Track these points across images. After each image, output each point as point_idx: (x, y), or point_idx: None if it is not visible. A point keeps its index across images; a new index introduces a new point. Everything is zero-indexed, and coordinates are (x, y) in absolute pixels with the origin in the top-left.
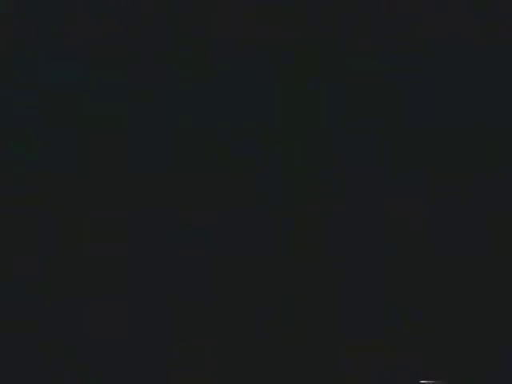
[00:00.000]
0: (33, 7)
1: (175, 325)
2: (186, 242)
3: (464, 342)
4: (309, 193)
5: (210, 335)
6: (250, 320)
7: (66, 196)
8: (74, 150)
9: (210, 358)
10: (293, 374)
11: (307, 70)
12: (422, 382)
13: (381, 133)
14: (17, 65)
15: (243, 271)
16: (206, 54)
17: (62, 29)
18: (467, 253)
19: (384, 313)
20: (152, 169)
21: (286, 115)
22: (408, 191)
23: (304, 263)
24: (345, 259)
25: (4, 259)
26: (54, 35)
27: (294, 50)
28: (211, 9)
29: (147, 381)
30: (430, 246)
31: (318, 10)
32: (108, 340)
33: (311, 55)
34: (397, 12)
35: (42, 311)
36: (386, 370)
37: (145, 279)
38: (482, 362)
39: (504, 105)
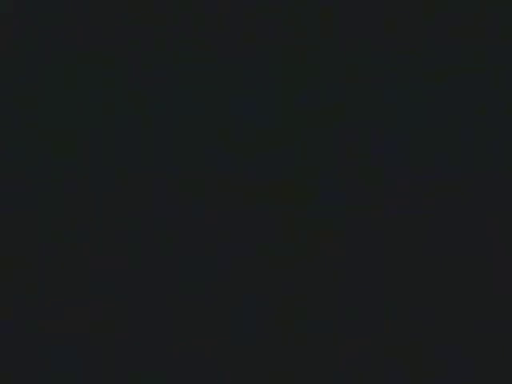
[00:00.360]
0: (33, 7)
1: (175, 325)
2: (186, 241)
3: (464, 342)
4: (309, 193)
5: (210, 335)
6: (250, 320)
7: (66, 196)
8: (74, 150)
9: (210, 358)
10: (293, 373)
11: (307, 70)
12: None
13: (381, 133)
14: (17, 65)
15: (243, 271)
16: (206, 54)
17: (61, 29)
18: (467, 253)
19: (384, 313)
20: (151, 169)
21: (286, 115)
22: (408, 191)
23: (304, 263)
24: (345, 259)
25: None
26: (54, 35)
27: (294, 50)
28: (211, 9)
29: (147, 381)
30: (430, 246)
31: (317, 10)
32: (108, 339)
33: (311, 55)
34: (397, 12)
35: (41, 311)
36: (386, 370)
37: (144, 279)
38: (481, 362)
39: (504, 105)
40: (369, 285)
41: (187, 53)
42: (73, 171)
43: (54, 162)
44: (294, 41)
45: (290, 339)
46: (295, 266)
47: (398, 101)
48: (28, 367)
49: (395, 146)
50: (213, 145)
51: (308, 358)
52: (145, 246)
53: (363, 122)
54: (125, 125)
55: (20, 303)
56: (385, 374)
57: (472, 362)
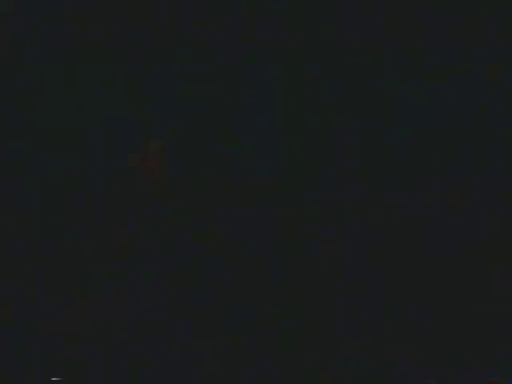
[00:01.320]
0: (33, 7)
1: (175, 325)
2: (186, 241)
3: (464, 342)
4: (308, 193)
5: (210, 335)
6: (250, 320)
7: (66, 196)
8: (73, 150)
9: (210, 358)
10: (293, 373)
11: (307, 70)
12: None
13: (381, 133)
14: (17, 65)
15: (243, 271)
16: (206, 54)
17: (61, 29)
18: (467, 253)
19: (384, 313)
20: (151, 168)
21: (286, 115)
22: (408, 191)
23: (304, 263)
24: (344, 259)
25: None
26: (54, 35)
27: (294, 50)
28: (211, 9)
29: (147, 381)
30: (430, 246)
31: (317, 10)
32: (108, 339)
33: (311, 55)
34: (397, 12)
35: (41, 310)
36: (386, 370)
37: (144, 279)
38: (481, 362)
39: (504, 105)
40: (368, 284)
41: (187, 53)
42: (73, 171)
43: (54, 162)
44: (294, 41)
45: (289, 339)
46: (295, 266)
47: (398, 101)
48: (27, 367)
49: (395, 146)
50: (213, 145)
51: (308, 358)
52: (145, 245)
53: (363, 121)
54: (125, 125)
55: (20, 303)
56: (385, 373)
57: (471, 362)
